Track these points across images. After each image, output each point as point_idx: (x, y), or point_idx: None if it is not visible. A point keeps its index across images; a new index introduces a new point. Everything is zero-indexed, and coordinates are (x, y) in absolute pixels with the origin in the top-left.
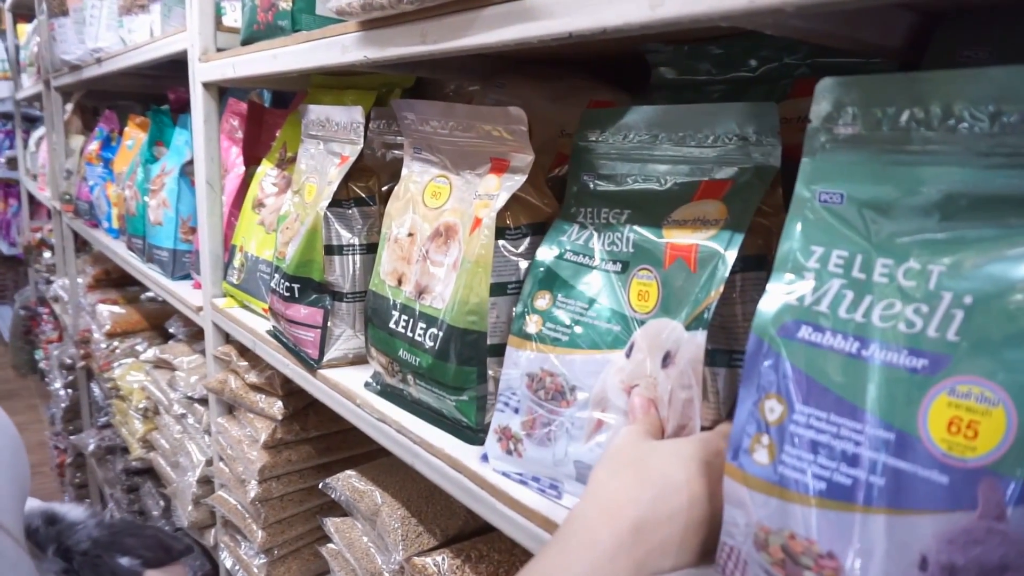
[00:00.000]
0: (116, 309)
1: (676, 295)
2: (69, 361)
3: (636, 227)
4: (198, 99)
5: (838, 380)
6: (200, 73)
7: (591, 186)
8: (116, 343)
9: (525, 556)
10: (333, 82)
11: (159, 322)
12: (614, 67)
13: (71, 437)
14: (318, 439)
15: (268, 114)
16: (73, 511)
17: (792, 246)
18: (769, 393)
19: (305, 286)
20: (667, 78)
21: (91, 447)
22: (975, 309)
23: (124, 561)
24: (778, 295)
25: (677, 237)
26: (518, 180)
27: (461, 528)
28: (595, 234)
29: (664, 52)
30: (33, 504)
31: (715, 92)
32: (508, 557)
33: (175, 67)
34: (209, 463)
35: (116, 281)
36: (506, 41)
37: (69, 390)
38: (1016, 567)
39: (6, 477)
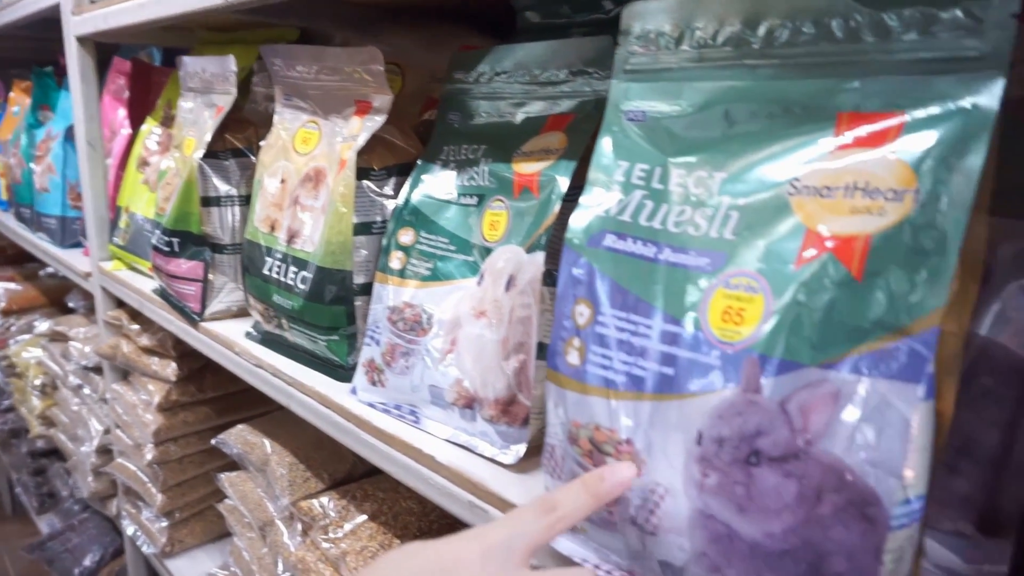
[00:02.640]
0: (12, 286)
1: (521, 222)
2: None
3: (492, 161)
4: (73, 55)
5: (637, 283)
6: (74, 27)
7: (455, 125)
8: (12, 321)
9: (409, 492)
10: (219, 38)
11: (58, 297)
12: (485, 15)
13: None
14: (215, 400)
15: (155, 72)
16: None
17: (601, 162)
18: (579, 298)
19: (184, 240)
20: (532, 22)
21: None
22: (746, 209)
23: None
24: (588, 208)
25: (524, 167)
26: (379, 120)
27: (349, 471)
28: (456, 171)
29: None
30: None
31: (576, 34)
32: (392, 495)
33: (54, 24)
34: (107, 432)
35: (12, 258)
36: None
37: None
38: (769, 430)
39: None
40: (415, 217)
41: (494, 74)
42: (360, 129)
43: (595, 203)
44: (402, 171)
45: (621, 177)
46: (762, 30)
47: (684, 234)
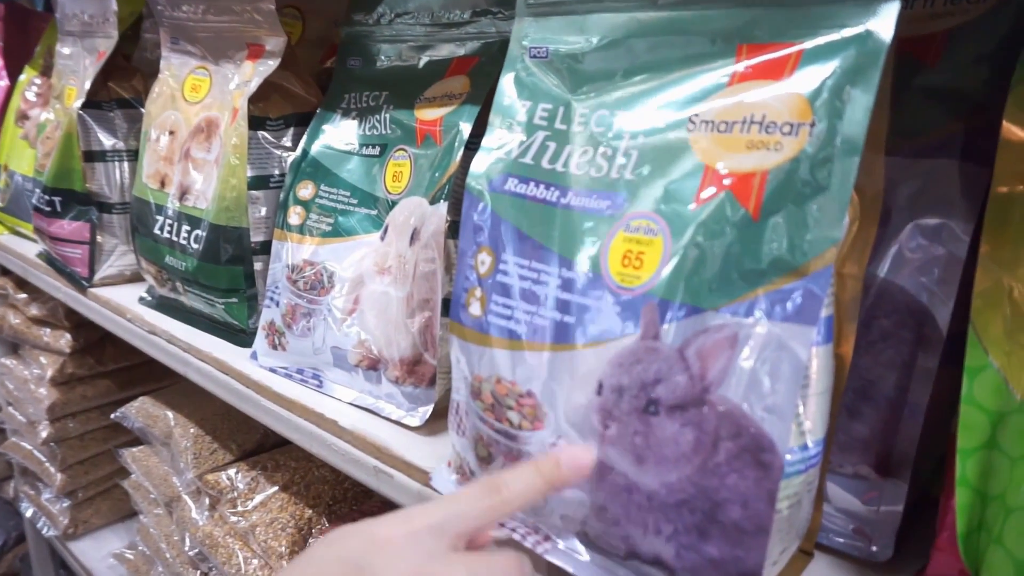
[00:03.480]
0: None
1: (424, 172)
2: None
3: (394, 109)
4: None
5: (539, 228)
6: None
7: (356, 71)
8: None
9: (322, 461)
10: None
11: None
12: None
13: None
14: (117, 372)
15: (34, 17)
16: None
17: (503, 102)
18: (481, 246)
19: (67, 199)
20: None
21: None
22: (646, 148)
23: None
24: (490, 151)
25: (426, 114)
26: (272, 65)
27: (260, 442)
28: (357, 120)
29: None
30: None
31: None
32: (305, 464)
33: None
34: None
35: None
36: None
37: None
38: (667, 378)
39: None
40: (315, 169)
41: (395, 15)
42: (252, 75)
43: (496, 145)
44: (301, 121)
45: (524, 117)
46: None
47: (586, 176)
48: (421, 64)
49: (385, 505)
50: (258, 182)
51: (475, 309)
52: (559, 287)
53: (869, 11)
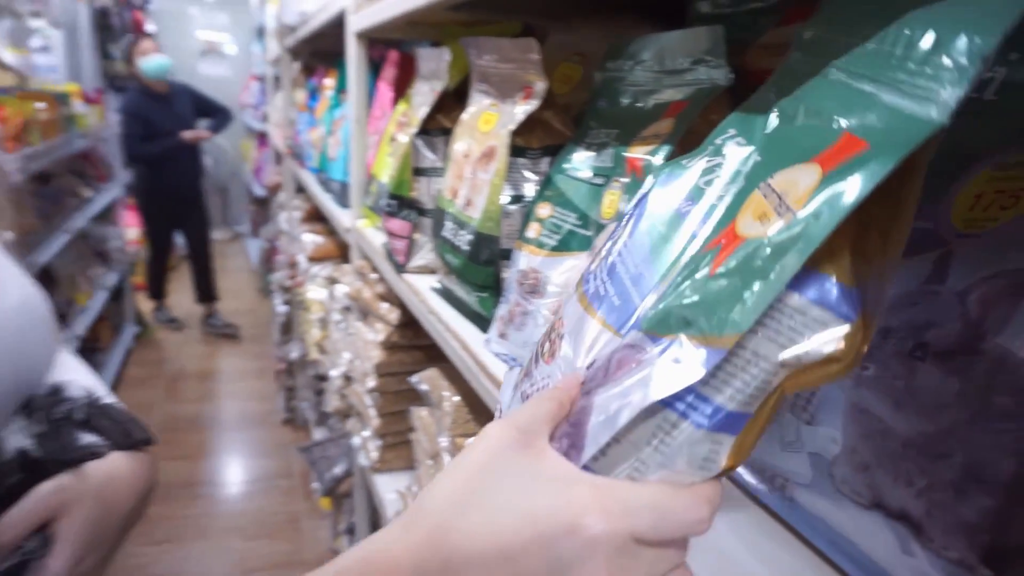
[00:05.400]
0: (318, 239)
1: (626, 202)
2: (285, 283)
3: (619, 144)
4: (351, 47)
5: (659, 228)
6: (352, 25)
7: (602, 110)
8: (313, 266)
9: None
10: (459, 32)
11: (347, 251)
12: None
13: (283, 348)
14: (428, 347)
15: (413, 62)
16: (77, 388)
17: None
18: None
19: (400, 202)
20: (702, 12)
21: (293, 356)
22: (741, 189)
23: (90, 438)
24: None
25: (636, 150)
26: (535, 103)
27: None
28: (593, 152)
29: None
30: (66, 376)
31: (735, 21)
32: None
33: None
34: (350, 362)
35: (321, 215)
36: None
37: (285, 307)
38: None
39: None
40: (554, 192)
41: (636, 63)
42: (520, 111)
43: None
44: (555, 151)
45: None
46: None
47: (709, 199)
48: (649, 106)
49: None
50: (513, 200)
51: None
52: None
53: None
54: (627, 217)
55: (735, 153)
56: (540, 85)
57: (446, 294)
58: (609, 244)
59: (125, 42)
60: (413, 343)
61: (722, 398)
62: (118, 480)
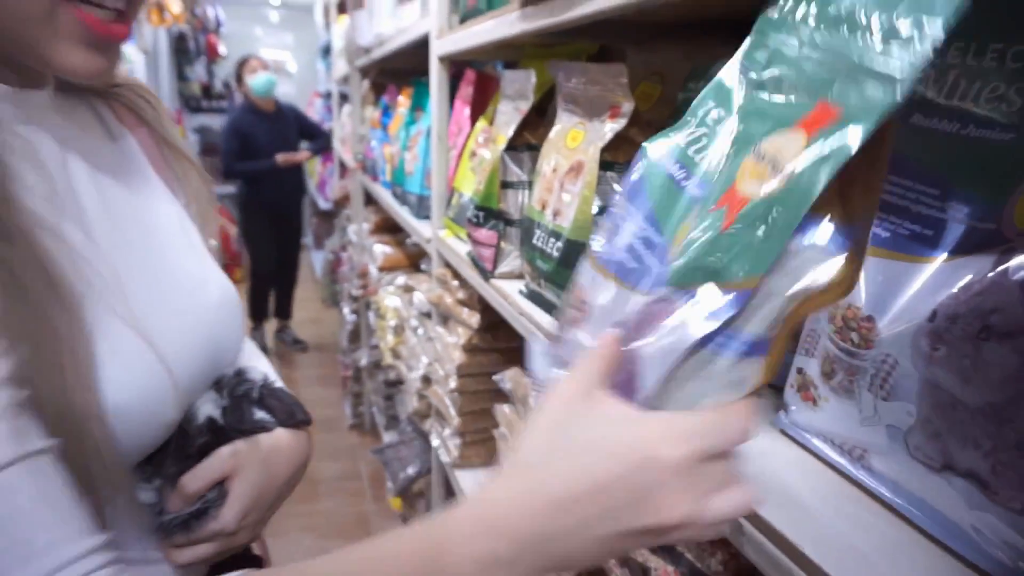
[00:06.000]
0: (388, 249)
1: None
2: (354, 293)
3: None
4: (435, 70)
5: (657, 194)
6: (436, 49)
7: None
8: (384, 275)
9: None
10: (539, 53)
11: (416, 260)
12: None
13: (351, 355)
14: (505, 351)
15: (491, 81)
16: (256, 372)
17: (700, 98)
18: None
19: (487, 214)
20: None
21: (363, 362)
22: (732, 155)
23: (262, 415)
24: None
25: None
26: (622, 122)
27: None
28: None
29: None
30: (248, 364)
31: None
32: None
33: (427, 45)
34: (430, 364)
35: (391, 227)
36: (597, 11)
37: (354, 315)
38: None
39: (195, 335)
40: None
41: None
42: (609, 129)
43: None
44: None
45: (701, 113)
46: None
47: (703, 166)
48: None
49: None
50: (603, 211)
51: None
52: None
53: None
54: (625, 188)
55: (717, 123)
56: (627, 106)
57: (534, 297)
58: (614, 213)
59: (199, 63)
60: (492, 346)
61: (748, 329)
62: (280, 452)
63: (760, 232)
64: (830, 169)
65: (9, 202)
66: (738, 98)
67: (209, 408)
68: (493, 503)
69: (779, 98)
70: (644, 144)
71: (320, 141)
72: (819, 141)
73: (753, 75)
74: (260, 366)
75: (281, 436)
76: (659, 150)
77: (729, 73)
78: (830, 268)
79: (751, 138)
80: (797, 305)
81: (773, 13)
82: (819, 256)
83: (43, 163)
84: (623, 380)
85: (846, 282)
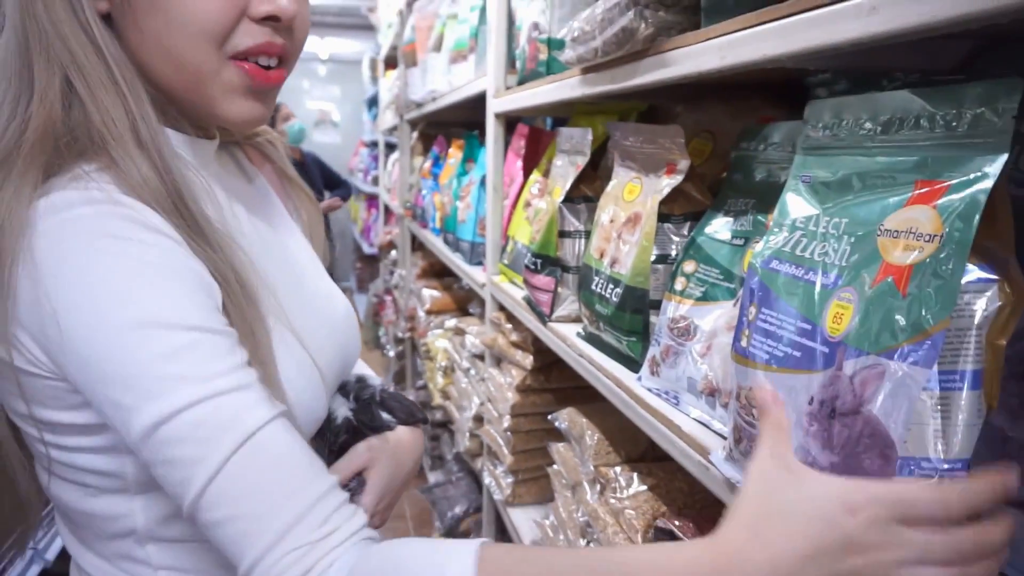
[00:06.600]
0: (435, 293)
1: None
2: (400, 335)
3: (756, 212)
4: (491, 126)
5: (786, 293)
6: (493, 106)
7: (737, 183)
8: (432, 318)
9: (684, 478)
10: (589, 109)
11: (464, 304)
12: (784, 90)
13: None
14: (558, 391)
15: (544, 136)
16: (374, 379)
17: (780, 212)
18: (752, 303)
19: (545, 261)
20: (820, 97)
21: None
22: (854, 243)
23: (385, 415)
24: (766, 242)
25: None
26: (678, 178)
27: (642, 454)
28: (732, 218)
29: (816, 78)
30: (363, 372)
31: None
32: (669, 476)
33: (481, 101)
34: (482, 404)
35: (438, 272)
36: (655, 81)
37: (398, 359)
38: (843, 397)
39: (332, 343)
40: (697, 252)
41: (767, 144)
42: (666, 184)
43: (771, 240)
44: (696, 217)
45: (788, 222)
46: (875, 124)
47: (822, 261)
48: (782, 180)
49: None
50: (660, 259)
51: (743, 343)
52: (794, 332)
53: (988, 160)
54: (750, 297)
55: (813, 226)
56: (683, 163)
57: (592, 339)
58: (743, 318)
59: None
60: (544, 386)
61: (958, 365)
62: (404, 447)
63: (935, 284)
64: (974, 218)
65: (208, 219)
66: (814, 204)
67: (343, 410)
68: (694, 560)
69: (863, 192)
70: (751, 262)
71: (343, 189)
72: (947, 203)
73: (818, 184)
74: (372, 374)
75: (403, 433)
76: (767, 261)
77: (793, 189)
78: (994, 294)
79: (862, 227)
80: (987, 332)
81: (810, 134)
82: (981, 287)
83: (219, 203)
84: (866, 444)
85: (1011, 300)
